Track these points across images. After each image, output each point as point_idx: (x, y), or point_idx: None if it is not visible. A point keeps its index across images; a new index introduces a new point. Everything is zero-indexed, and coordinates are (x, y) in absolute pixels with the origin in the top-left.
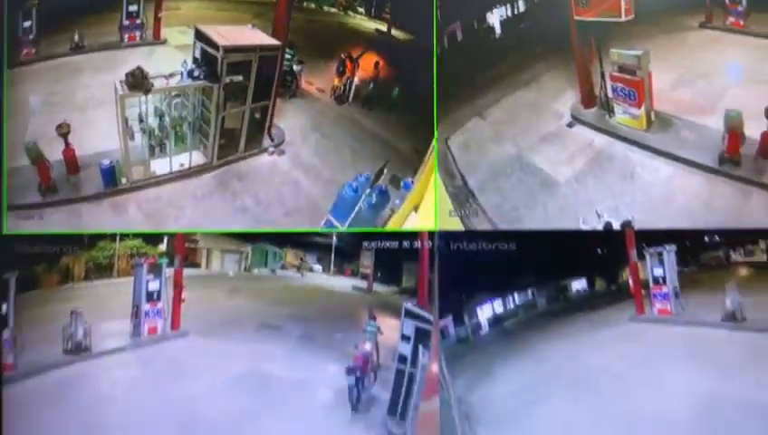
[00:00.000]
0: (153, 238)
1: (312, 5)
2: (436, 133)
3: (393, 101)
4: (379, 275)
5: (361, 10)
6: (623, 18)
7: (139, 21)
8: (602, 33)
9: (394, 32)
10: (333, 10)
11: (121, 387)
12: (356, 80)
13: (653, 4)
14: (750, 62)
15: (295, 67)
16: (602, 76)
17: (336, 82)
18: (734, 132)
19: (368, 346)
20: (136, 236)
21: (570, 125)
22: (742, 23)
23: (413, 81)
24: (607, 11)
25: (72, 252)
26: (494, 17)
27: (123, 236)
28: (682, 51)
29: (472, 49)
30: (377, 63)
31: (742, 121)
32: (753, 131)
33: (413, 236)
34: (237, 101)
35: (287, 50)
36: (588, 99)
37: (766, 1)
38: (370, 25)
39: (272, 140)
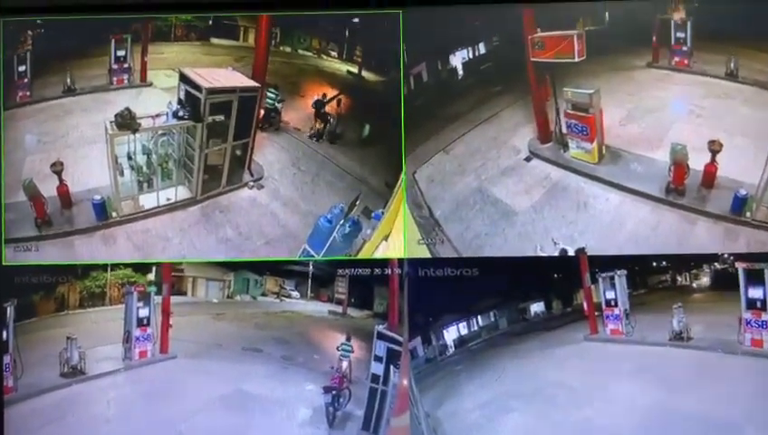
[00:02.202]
0: (142, 268)
1: (288, 49)
2: (404, 168)
3: (364, 139)
4: (352, 300)
5: (334, 53)
6: (576, 59)
7: (126, 65)
8: (557, 73)
9: (364, 73)
10: (308, 54)
11: (115, 407)
12: (329, 119)
13: (603, 45)
14: (694, 98)
15: (278, 105)
16: (557, 113)
17: (318, 125)
18: (680, 165)
19: (344, 365)
20: (126, 266)
21: (527, 159)
22: (686, 62)
23: (383, 119)
24: (562, 52)
25: (67, 281)
26: (457, 59)
27: (114, 266)
28: (630, 88)
29: (436, 89)
30: (339, 101)
31: (686, 154)
32: (696, 163)
33: (384, 263)
34: (219, 139)
35: (271, 90)
36: (544, 134)
37: (709, 42)
38: (342, 67)
39: (251, 175)
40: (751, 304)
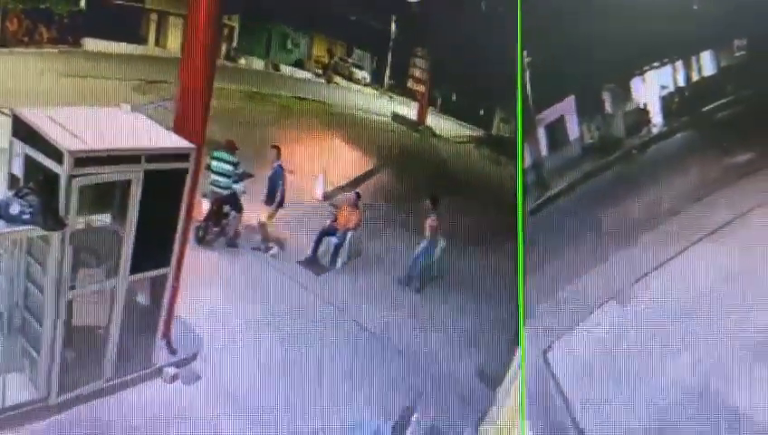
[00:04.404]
0: None
1: (258, 64)
2: (522, 337)
3: (433, 267)
4: None
5: (363, 73)
6: None
7: None
8: None
9: (433, 120)
10: (305, 75)
11: None
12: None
13: None
14: None
15: (237, 187)
16: None
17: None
18: None
19: None
20: None
21: None
22: None
23: (474, 223)
24: None
25: None
26: (649, 88)
27: None
28: None
29: (598, 156)
30: (357, 194)
31: None
32: None
33: None
34: (100, 269)
35: (222, 154)
36: None
37: None
38: (382, 106)
39: (172, 351)
40: None
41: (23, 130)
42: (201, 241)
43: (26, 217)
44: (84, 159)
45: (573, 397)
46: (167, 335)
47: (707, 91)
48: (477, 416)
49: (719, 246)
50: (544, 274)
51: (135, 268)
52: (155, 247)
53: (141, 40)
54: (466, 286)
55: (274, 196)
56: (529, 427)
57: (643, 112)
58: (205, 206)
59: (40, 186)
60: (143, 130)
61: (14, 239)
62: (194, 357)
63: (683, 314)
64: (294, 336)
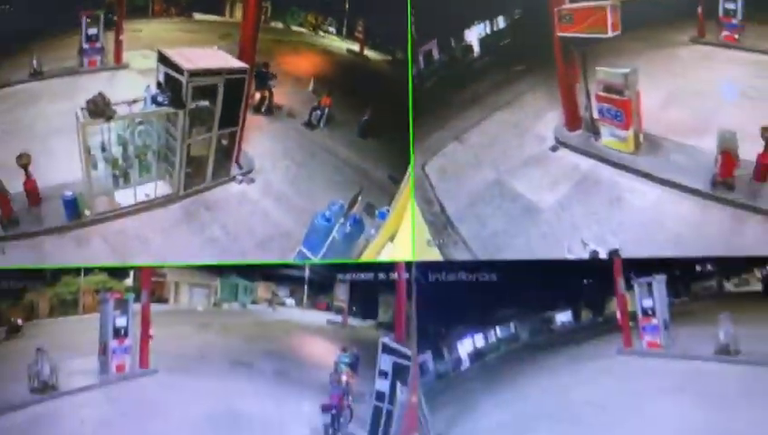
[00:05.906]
0: (119, 273)
1: (280, 25)
2: (412, 159)
3: (366, 127)
4: (354, 308)
5: (332, 30)
6: (609, 34)
7: (99, 45)
8: (587, 51)
9: (367, 52)
10: (302, 30)
11: (90, 426)
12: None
13: (641, 18)
14: (745, 78)
15: (270, 83)
16: (587, 96)
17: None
18: (728, 154)
19: (343, 380)
20: (101, 270)
21: (553, 148)
22: (736, 36)
23: (388, 104)
24: (592, 26)
25: (36, 287)
26: (473, 35)
27: (88, 271)
28: (672, 68)
29: (449, 69)
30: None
31: (736, 142)
32: (747, 153)
33: (389, 267)
34: (204, 128)
35: (261, 69)
36: (572, 120)
37: (763, 12)
38: (342, 45)
39: (240, 167)
40: None
41: (163, 59)
42: (257, 111)
43: (166, 103)
44: (194, 73)
45: (442, 196)
46: (237, 160)
47: (502, 36)
48: (389, 200)
49: (511, 113)
50: (427, 123)
51: (221, 126)
52: (230, 115)
53: (221, 12)
54: (384, 135)
55: None
56: (417, 207)
57: (469, 48)
58: (257, 96)
59: (172, 87)
60: (224, 59)
61: (160, 114)
62: (251, 170)
63: (494, 144)
64: (299, 157)
